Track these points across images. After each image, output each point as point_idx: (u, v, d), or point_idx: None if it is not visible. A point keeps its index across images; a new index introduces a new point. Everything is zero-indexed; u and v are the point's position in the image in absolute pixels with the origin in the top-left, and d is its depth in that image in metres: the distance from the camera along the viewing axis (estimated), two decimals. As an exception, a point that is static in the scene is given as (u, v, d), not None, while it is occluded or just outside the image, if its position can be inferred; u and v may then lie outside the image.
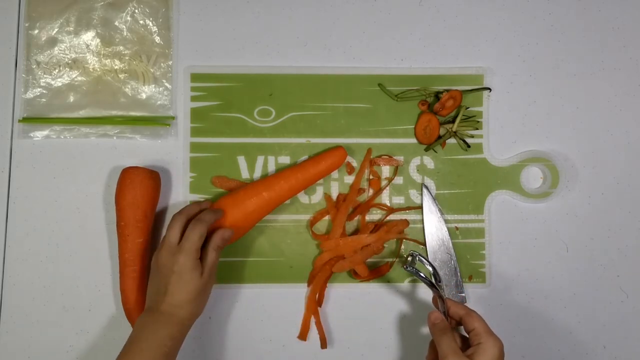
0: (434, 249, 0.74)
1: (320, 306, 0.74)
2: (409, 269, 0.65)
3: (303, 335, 0.74)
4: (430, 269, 0.66)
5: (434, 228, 0.75)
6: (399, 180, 0.76)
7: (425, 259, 0.66)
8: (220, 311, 0.75)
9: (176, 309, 0.64)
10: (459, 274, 0.74)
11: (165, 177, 0.75)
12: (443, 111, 0.75)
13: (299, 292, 0.75)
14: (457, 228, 0.76)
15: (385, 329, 0.75)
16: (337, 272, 0.74)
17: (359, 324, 0.75)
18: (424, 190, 0.76)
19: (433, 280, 0.65)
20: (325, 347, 0.74)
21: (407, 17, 0.78)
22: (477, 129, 0.77)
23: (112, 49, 0.77)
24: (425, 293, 0.75)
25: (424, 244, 0.75)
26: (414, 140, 0.77)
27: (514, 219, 0.76)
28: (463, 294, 0.74)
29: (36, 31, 0.76)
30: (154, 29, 0.77)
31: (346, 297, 0.75)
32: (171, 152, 0.76)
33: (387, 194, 0.76)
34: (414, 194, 0.76)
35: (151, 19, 0.77)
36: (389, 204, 0.76)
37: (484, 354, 0.60)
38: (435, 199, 0.75)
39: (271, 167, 0.76)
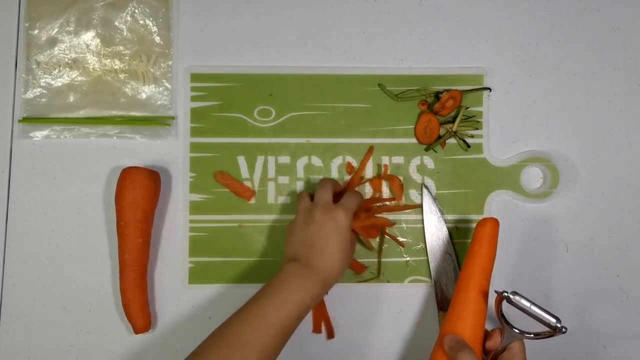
0: (434, 249, 0.74)
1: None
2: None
3: (317, 328, 0.73)
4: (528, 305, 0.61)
5: (434, 228, 0.75)
6: (399, 180, 0.76)
7: (520, 296, 0.61)
8: (220, 311, 0.74)
9: (324, 265, 0.63)
10: (459, 273, 0.74)
11: (165, 177, 0.75)
12: (443, 111, 0.76)
13: (299, 292, 0.75)
14: (457, 228, 0.76)
15: (385, 329, 0.75)
16: None
17: (359, 324, 0.75)
18: (424, 190, 0.76)
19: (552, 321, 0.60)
20: (333, 337, 0.74)
21: (407, 17, 0.78)
22: (477, 129, 0.77)
23: (112, 49, 0.77)
24: (425, 293, 0.75)
25: (403, 245, 0.75)
26: (414, 140, 0.77)
27: (514, 219, 0.76)
28: None
29: (36, 31, 0.76)
30: (154, 29, 0.77)
31: (346, 297, 0.75)
32: (171, 152, 0.76)
33: (388, 194, 0.76)
34: (414, 194, 0.76)
35: (151, 19, 0.77)
36: (389, 204, 0.76)
37: None
38: (436, 199, 0.75)
39: (271, 167, 0.76)
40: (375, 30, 0.78)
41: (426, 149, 0.76)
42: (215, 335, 0.59)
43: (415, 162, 0.77)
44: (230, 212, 0.76)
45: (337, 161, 0.77)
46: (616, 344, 0.76)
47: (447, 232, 0.75)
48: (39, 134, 0.75)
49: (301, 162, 0.77)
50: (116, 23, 0.77)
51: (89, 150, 0.76)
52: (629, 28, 0.79)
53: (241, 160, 0.76)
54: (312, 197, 0.70)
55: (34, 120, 0.75)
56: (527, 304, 0.60)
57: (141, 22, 0.77)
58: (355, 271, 0.74)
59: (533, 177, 0.78)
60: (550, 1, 0.79)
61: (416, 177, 0.76)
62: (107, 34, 0.77)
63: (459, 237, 0.76)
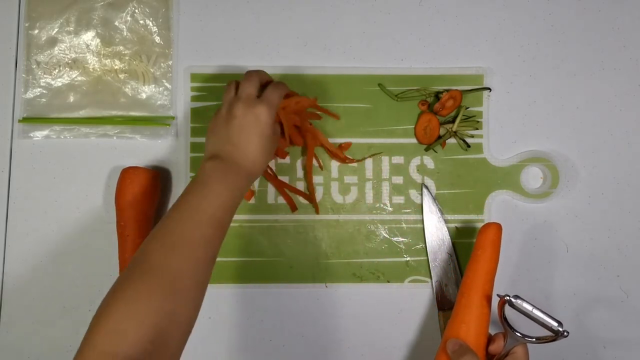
0: (434, 249, 0.74)
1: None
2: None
3: (292, 207, 0.75)
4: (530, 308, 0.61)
5: (434, 228, 0.75)
6: (399, 180, 0.76)
7: (521, 299, 0.61)
8: (220, 311, 0.75)
9: (247, 160, 0.63)
10: (459, 273, 0.74)
11: (165, 177, 0.75)
12: (443, 111, 0.76)
13: (299, 292, 0.75)
14: (457, 228, 0.76)
15: (385, 329, 0.75)
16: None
17: (359, 324, 0.75)
18: (424, 190, 0.76)
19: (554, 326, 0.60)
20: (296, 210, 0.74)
21: (407, 17, 0.78)
22: (477, 129, 0.77)
23: (112, 49, 0.77)
24: (425, 293, 0.75)
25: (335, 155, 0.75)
26: (414, 140, 0.77)
27: (514, 219, 0.76)
28: None
29: (36, 31, 0.76)
30: (154, 29, 0.77)
31: (346, 297, 0.75)
32: (171, 152, 0.76)
33: (388, 194, 0.76)
34: (414, 194, 0.76)
35: (151, 19, 0.77)
36: (389, 204, 0.76)
37: None
38: (435, 199, 0.75)
39: (271, 167, 0.76)
40: (375, 30, 0.78)
41: (426, 149, 0.76)
42: (156, 236, 0.56)
43: (415, 162, 0.77)
44: (230, 212, 0.76)
45: (337, 162, 0.77)
46: (616, 344, 0.76)
47: (447, 232, 0.75)
48: (39, 134, 0.75)
49: (300, 163, 0.77)
50: (116, 23, 0.77)
51: (89, 150, 0.76)
52: (629, 28, 0.79)
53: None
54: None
55: (34, 120, 0.75)
56: (529, 307, 0.60)
57: (141, 22, 0.77)
58: (280, 157, 0.75)
59: (533, 177, 0.78)
60: (550, 1, 0.79)
61: (416, 177, 0.76)
62: (107, 34, 0.77)
63: (459, 237, 0.76)
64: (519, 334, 0.60)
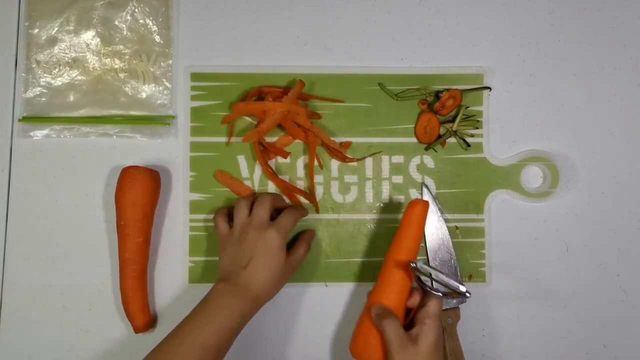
0: (434, 249, 0.74)
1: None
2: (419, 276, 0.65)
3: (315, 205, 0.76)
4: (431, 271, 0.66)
5: (434, 227, 0.74)
6: (399, 179, 0.76)
7: (426, 265, 0.65)
8: (220, 311, 0.74)
9: (255, 284, 0.65)
10: (459, 273, 0.74)
11: (165, 177, 0.75)
12: (443, 110, 0.76)
13: (299, 292, 0.75)
14: (457, 227, 0.76)
15: (385, 329, 0.75)
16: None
17: (359, 324, 0.75)
18: (424, 189, 0.75)
19: (431, 285, 0.65)
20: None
21: (407, 17, 0.78)
22: (477, 128, 0.77)
23: (112, 48, 0.77)
24: (425, 293, 0.75)
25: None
26: (414, 140, 0.77)
27: (514, 218, 0.76)
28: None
29: (36, 30, 0.76)
30: (154, 28, 0.77)
31: (346, 297, 0.75)
32: (171, 151, 0.76)
33: (388, 193, 0.76)
34: (414, 193, 0.76)
35: (151, 18, 0.77)
36: (388, 203, 0.76)
37: (429, 333, 0.62)
38: (435, 198, 0.75)
39: (271, 167, 0.76)
40: (375, 30, 0.78)
41: (426, 148, 0.76)
42: (153, 354, 0.61)
43: (415, 161, 0.77)
44: (230, 212, 0.76)
45: (337, 161, 0.77)
46: (616, 344, 0.76)
47: (446, 231, 0.74)
48: (39, 133, 0.75)
49: (301, 162, 0.77)
50: (116, 22, 0.77)
51: (89, 150, 0.76)
52: (629, 28, 0.79)
53: (241, 160, 0.76)
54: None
55: (34, 119, 0.75)
56: (433, 272, 0.65)
57: (141, 21, 0.77)
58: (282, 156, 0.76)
59: (533, 177, 0.78)
60: (550, 1, 0.79)
61: (416, 176, 0.76)
62: (107, 33, 0.77)
63: (459, 236, 0.76)
64: (428, 289, 0.64)
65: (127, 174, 0.71)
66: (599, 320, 0.76)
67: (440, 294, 0.64)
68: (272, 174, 0.75)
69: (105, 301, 0.74)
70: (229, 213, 0.72)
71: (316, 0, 0.78)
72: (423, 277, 0.64)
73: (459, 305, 0.73)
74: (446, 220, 0.75)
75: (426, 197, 0.75)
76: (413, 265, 0.64)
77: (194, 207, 0.75)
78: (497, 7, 0.79)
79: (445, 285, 0.65)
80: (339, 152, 0.75)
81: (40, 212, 0.75)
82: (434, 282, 0.66)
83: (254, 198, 0.71)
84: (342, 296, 0.75)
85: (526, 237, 0.76)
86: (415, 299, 0.66)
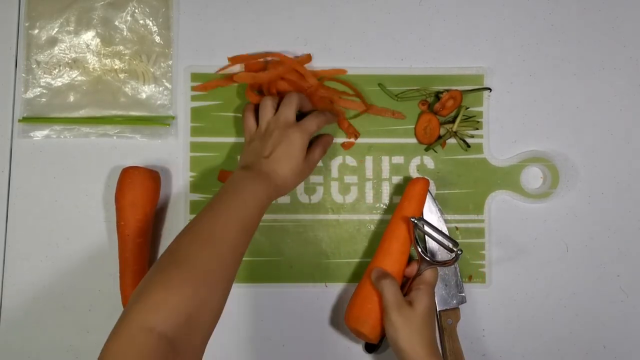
0: (434, 249, 0.74)
1: None
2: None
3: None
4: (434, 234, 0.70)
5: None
6: (399, 179, 0.76)
7: (428, 225, 0.70)
8: (220, 311, 0.75)
9: (275, 173, 0.66)
10: (458, 274, 0.74)
11: (165, 177, 0.75)
12: (443, 111, 0.76)
13: (300, 291, 0.75)
14: (457, 228, 0.76)
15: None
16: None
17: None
18: (427, 193, 0.75)
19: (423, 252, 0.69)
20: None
21: (407, 17, 0.78)
22: (477, 129, 0.77)
23: (112, 48, 0.77)
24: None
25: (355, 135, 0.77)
26: (414, 140, 0.77)
27: (514, 219, 0.76)
28: (463, 294, 0.74)
29: (36, 31, 0.76)
30: (154, 28, 0.77)
31: (346, 297, 0.75)
32: (171, 151, 0.76)
33: (388, 194, 0.76)
34: (414, 193, 0.76)
35: (151, 18, 0.77)
36: (389, 204, 0.76)
37: (423, 297, 0.66)
38: (436, 198, 0.75)
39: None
40: (375, 30, 0.78)
41: (426, 149, 0.76)
42: (189, 231, 0.60)
43: (416, 162, 0.77)
44: (230, 212, 0.76)
45: (337, 161, 0.77)
46: (616, 344, 0.76)
47: (446, 231, 0.74)
48: (39, 134, 0.75)
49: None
50: (116, 23, 0.77)
51: (89, 150, 0.76)
52: (629, 28, 0.79)
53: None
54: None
55: (34, 120, 0.75)
56: (430, 230, 0.70)
57: (141, 21, 0.77)
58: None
59: (533, 177, 0.78)
60: (550, 1, 0.79)
61: (416, 176, 0.76)
62: (107, 34, 0.77)
63: (459, 237, 0.76)
64: (427, 259, 0.68)
65: (127, 174, 0.71)
66: (599, 320, 0.76)
67: (434, 263, 0.69)
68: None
69: (105, 301, 0.74)
70: (256, 109, 0.73)
71: (316, 1, 0.78)
72: (420, 237, 0.70)
73: (459, 306, 0.73)
74: (446, 221, 0.75)
75: (426, 197, 0.75)
76: (413, 221, 0.69)
77: (194, 207, 0.75)
78: (497, 7, 0.79)
79: (441, 244, 0.70)
80: (349, 105, 0.76)
81: (40, 212, 0.75)
82: (427, 246, 0.72)
83: (279, 98, 0.72)
84: (342, 296, 0.75)
85: (526, 238, 0.76)
86: (413, 268, 0.70)
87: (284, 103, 0.70)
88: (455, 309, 0.73)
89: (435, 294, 0.73)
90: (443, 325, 0.73)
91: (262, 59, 0.76)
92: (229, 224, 0.61)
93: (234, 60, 0.76)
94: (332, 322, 0.75)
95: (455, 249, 0.68)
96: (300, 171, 0.68)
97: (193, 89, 0.76)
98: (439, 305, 0.73)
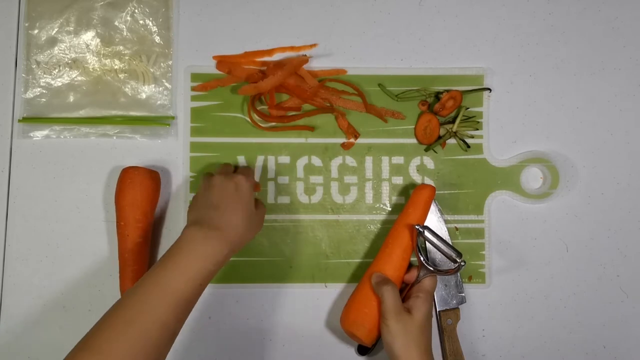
0: (435, 257, 0.74)
1: None
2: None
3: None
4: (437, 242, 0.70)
5: (434, 228, 0.74)
6: (398, 180, 0.76)
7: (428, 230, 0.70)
8: (220, 311, 0.75)
9: (229, 225, 0.63)
10: (459, 274, 0.74)
11: (165, 177, 0.75)
12: (443, 111, 0.76)
13: (299, 292, 0.75)
14: (457, 228, 0.76)
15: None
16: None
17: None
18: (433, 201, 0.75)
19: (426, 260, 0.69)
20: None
21: (407, 17, 0.78)
22: (477, 129, 0.77)
23: (112, 48, 0.77)
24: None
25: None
26: (414, 141, 0.77)
27: (514, 219, 0.76)
28: (463, 294, 0.74)
29: (36, 31, 0.76)
30: (154, 28, 0.77)
31: (346, 297, 0.75)
32: (171, 151, 0.76)
33: (387, 194, 0.76)
34: (414, 194, 0.76)
35: (151, 18, 0.77)
36: (388, 204, 0.76)
37: (422, 305, 0.66)
38: (436, 199, 0.75)
39: (271, 167, 0.76)
40: (375, 30, 0.78)
41: (426, 149, 0.76)
42: (116, 306, 0.56)
43: (415, 162, 0.77)
44: (230, 212, 0.76)
45: (337, 161, 0.77)
46: (616, 344, 0.76)
47: (446, 232, 0.74)
48: (39, 134, 0.75)
49: (301, 162, 0.77)
50: (116, 23, 0.77)
51: (89, 150, 0.76)
52: (629, 28, 0.79)
53: (241, 160, 0.76)
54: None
55: (34, 120, 0.75)
56: (434, 239, 0.69)
57: (141, 22, 0.77)
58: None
59: (533, 178, 0.78)
60: (550, 1, 0.79)
61: (416, 177, 0.76)
62: (107, 34, 0.77)
63: (459, 237, 0.76)
64: (429, 266, 0.68)
65: (127, 174, 0.71)
66: (599, 321, 0.76)
67: (440, 271, 0.68)
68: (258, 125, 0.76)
69: (105, 301, 0.74)
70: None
71: (316, 1, 0.78)
72: (422, 245, 0.70)
73: (459, 306, 0.73)
74: (446, 221, 0.75)
75: (433, 206, 0.75)
76: (418, 229, 0.69)
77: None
78: (497, 7, 0.79)
79: (444, 254, 0.69)
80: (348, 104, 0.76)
81: (40, 212, 0.75)
82: (429, 256, 0.72)
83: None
84: (342, 297, 0.75)
85: (526, 238, 0.76)
86: (412, 274, 0.70)
87: (221, 164, 0.73)
88: (455, 309, 0.73)
89: (435, 295, 0.73)
90: (443, 326, 0.73)
91: (261, 63, 0.77)
92: (163, 297, 0.56)
93: (219, 60, 0.77)
94: (332, 323, 0.75)
95: (458, 260, 0.68)
96: (253, 220, 0.67)
97: (193, 89, 0.77)
98: (438, 305, 0.73)
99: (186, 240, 0.61)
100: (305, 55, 0.76)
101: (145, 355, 0.53)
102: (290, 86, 0.75)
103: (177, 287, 0.57)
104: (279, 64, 0.75)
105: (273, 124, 0.76)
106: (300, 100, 0.76)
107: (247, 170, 0.71)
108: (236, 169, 0.75)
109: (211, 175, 0.69)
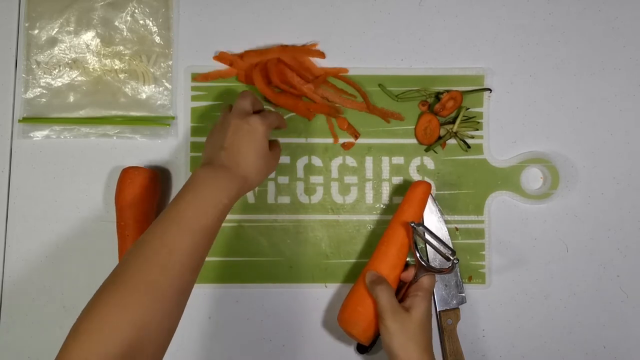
0: (432, 256, 0.74)
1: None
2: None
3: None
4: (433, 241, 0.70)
5: (434, 228, 0.74)
6: (399, 180, 0.76)
7: (427, 231, 0.70)
8: (220, 311, 0.75)
9: (239, 165, 0.62)
10: (459, 274, 0.74)
11: (165, 177, 0.76)
12: (443, 112, 0.75)
13: (299, 292, 0.75)
14: (457, 229, 0.76)
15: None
16: None
17: (359, 324, 0.75)
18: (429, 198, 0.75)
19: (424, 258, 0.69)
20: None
21: (407, 17, 0.78)
22: (477, 129, 0.77)
23: (112, 49, 0.77)
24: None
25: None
26: (414, 141, 0.77)
27: (514, 219, 0.76)
28: (463, 294, 0.74)
29: (36, 31, 0.76)
30: (154, 29, 0.77)
31: (345, 297, 0.75)
32: (171, 152, 0.76)
33: (388, 194, 0.76)
34: (414, 194, 0.76)
35: (151, 19, 0.77)
36: (389, 204, 0.76)
37: (420, 303, 0.66)
38: (436, 199, 0.75)
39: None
40: (375, 30, 0.78)
41: (426, 150, 0.76)
42: (140, 243, 0.56)
43: (416, 162, 0.77)
44: (230, 212, 0.75)
45: (337, 161, 0.77)
46: (616, 344, 0.76)
47: (447, 232, 0.74)
48: (39, 134, 0.75)
49: (301, 162, 0.77)
50: (116, 23, 0.77)
51: (89, 150, 0.76)
52: (629, 28, 0.79)
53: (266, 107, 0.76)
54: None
55: (34, 120, 0.75)
56: (429, 236, 0.69)
57: (141, 22, 0.77)
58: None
59: (533, 178, 0.77)
60: (550, 1, 0.79)
61: (416, 177, 0.76)
62: (107, 34, 0.77)
63: (459, 237, 0.76)
64: (424, 264, 0.68)
65: (127, 174, 0.71)
66: (599, 321, 0.76)
67: (431, 270, 0.68)
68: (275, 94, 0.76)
69: (105, 302, 0.74)
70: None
71: (316, 1, 0.78)
72: (419, 246, 0.70)
73: (459, 306, 0.73)
74: (446, 222, 0.75)
75: (430, 202, 0.75)
76: (412, 225, 0.69)
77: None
78: (497, 7, 0.79)
79: (439, 251, 0.69)
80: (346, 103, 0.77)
81: (40, 212, 0.75)
82: (427, 253, 0.72)
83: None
84: (341, 297, 0.75)
85: (526, 238, 0.76)
86: (410, 272, 0.70)
87: (239, 97, 0.67)
88: (455, 309, 0.73)
89: (435, 294, 0.73)
90: (443, 326, 0.73)
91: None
92: (184, 231, 0.57)
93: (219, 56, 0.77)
94: (332, 322, 0.75)
95: (452, 258, 0.68)
96: (265, 162, 0.65)
97: (194, 79, 0.76)
98: (439, 305, 0.73)
99: (198, 179, 0.61)
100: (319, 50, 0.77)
101: (176, 280, 0.55)
102: (295, 67, 0.75)
103: (196, 222, 0.58)
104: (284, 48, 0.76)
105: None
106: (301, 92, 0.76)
107: (266, 113, 0.67)
108: (256, 108, 0.69)
109: (229, 111, 0.67)
